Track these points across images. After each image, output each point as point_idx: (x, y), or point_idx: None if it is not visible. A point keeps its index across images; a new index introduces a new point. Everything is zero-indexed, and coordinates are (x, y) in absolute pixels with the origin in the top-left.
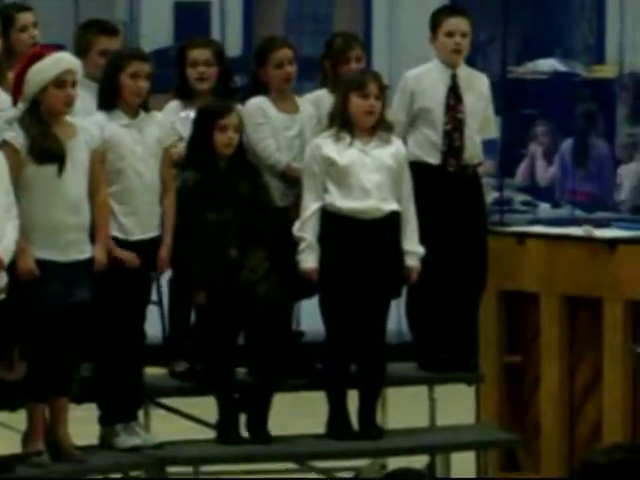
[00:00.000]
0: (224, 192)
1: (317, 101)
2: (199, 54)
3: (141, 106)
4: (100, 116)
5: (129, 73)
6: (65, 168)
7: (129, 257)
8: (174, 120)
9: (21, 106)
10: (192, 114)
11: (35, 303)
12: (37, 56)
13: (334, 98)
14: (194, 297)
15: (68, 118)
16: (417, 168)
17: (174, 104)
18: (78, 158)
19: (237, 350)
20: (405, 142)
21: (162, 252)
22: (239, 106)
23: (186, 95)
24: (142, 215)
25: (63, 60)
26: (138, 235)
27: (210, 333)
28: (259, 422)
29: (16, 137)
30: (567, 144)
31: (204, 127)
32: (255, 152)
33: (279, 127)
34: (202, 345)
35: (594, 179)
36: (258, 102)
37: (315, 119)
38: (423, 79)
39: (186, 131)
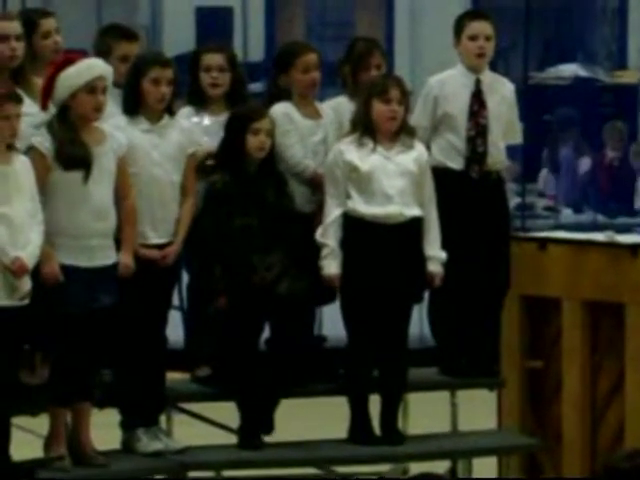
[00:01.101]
0: (251, 197)
1: (337, 107)
2: (213, 59)
3: (166, 110)
4: (121, 119)
5: (150, 79)
6: (91, 175)
7: (155, 255)
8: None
9: (50, 111)
10: (206, 120)
11: (59, 308)
12: (68, 61)
13: (354, 104)
14: (215, 302)
15: (97, 124)
16: (440, 174)
17: (187, 110)
18: (105, 165)
19: (256, 354)
20: (428, 148)
21: (170, 248)
22: None
23: (199, 101)
24: (158, 220)
25: (95, 66)
26: (154, 239)
27: (231, 338)
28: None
29: (42, 142)
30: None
31: (237, 130)
32: (283, 159)
33: (305, 133)
34: (224, 350)
35: (560, 183)
36: (283, 108)
37: (335, 124)
38: (447, 85)
39: (198, 136)
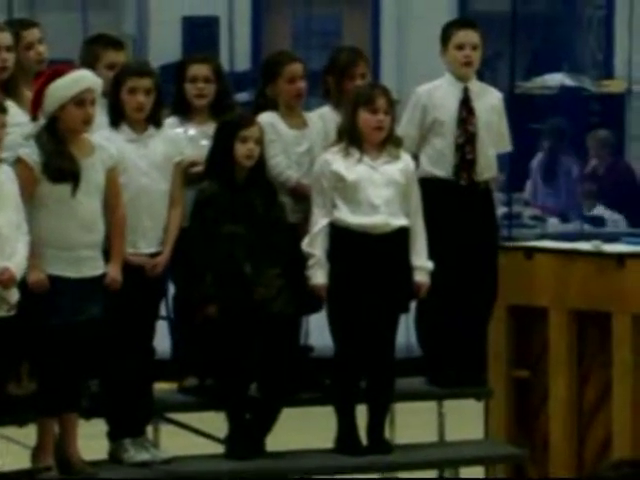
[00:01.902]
0: (239, 205)
1: (321, 118)
2: (198, 70)
3: (150, 121)
4: (106, 131)
5: (127, 88)
6: (79, 187)
7: (145, 261)
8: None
9: (40, 122)
10: (191, 130)
11: (46, 319)
12: (57, 73)
13: (338, 114)
14: (205, 310)
15: (86, 136)
16: (429, 183)
17: (171, 120)
18: (93, 177)
19: (248, 365)
20: (416, 158)
21: (159, 258)
22: None
23: (184, 111)
24: (146, 229)
25: (84, 78)
26: (144, 249)
27: (220, 347)
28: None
29: (30, 154)
30: (537, 160)
31: (225, 138)
32: (265, 168)
33: (290, 143)
34: (211, 359)
35: (561, 195)
36: (268, 118)
37: (323, 134)
38: (435, 93)
39: (183, 147)
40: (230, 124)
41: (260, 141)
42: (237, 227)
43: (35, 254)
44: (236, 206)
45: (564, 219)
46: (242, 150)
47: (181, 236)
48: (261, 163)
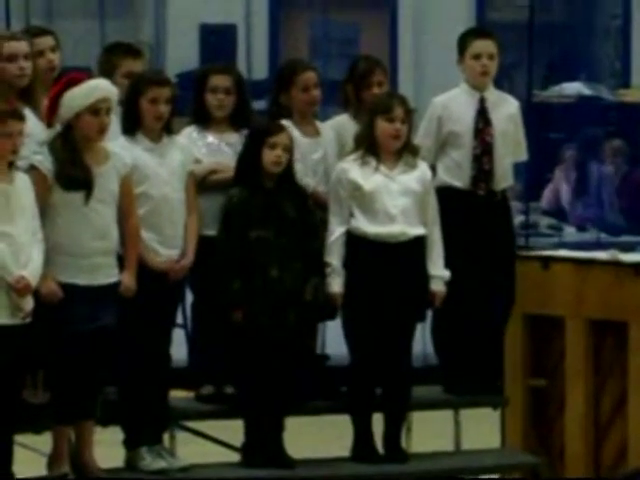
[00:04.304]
0: (268, 211)
1: (338, 126)
2: (220, 81)
3: (164, 129)
4: (123, 140)
5: (149, 98)
6: (92, 195)
7: (169, 266)
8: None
9: (54, 129)
10: (210, 138)
11: (61, 326)
12: (74, 81)
13: (357, 123)
14: (231, 315)
15: (101, 144)
16: (447, 194)
17: (190, 129)
18: (107, 185)
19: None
20: (433, 168)
21: (183, 261)
22: None
23: (203, 120)
24: (167, 237)
25: (99, 87)
26: (165, 257)
27: (243, 353)
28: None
29: (43, 161)
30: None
31: (254, 145)
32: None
33: (305, 151)
34: (230, 367)
35: (594, 204)
36: None
37: (335, 143)
38: (451, 104)
39: (201, 154)
40: (259, 131)
41: (289, 148)
42: (266, 232)
43: (48, 263)
44: (265, 211)
45: (581, 228)
46: (270, 156)
47: (200, 243)
48: (290, 170)
